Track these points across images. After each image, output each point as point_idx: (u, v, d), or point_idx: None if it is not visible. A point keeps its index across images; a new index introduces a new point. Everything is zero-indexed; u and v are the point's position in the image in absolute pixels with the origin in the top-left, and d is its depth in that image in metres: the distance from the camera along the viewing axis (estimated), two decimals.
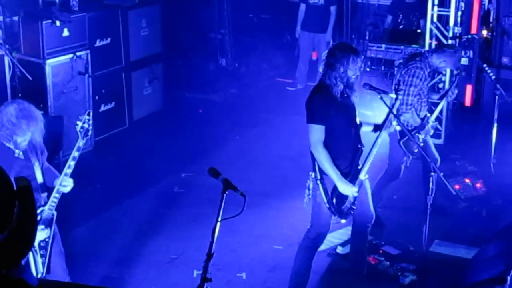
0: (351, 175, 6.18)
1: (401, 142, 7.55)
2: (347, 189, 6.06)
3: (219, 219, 4.55)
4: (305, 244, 6.38)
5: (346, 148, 6.17)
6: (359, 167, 6.25)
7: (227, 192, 4.59)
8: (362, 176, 6.28)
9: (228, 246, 7.27)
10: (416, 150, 7.48)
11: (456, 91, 8.38)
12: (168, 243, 7.50)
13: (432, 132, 7.94)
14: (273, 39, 13.43)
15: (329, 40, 12.20)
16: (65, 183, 5.42)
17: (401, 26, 11.37)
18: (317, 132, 5.99)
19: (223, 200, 4.56)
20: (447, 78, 10.15)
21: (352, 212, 6.30)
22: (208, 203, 7.86)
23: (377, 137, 6.40)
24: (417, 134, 7.60)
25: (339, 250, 7.36)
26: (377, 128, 6.47)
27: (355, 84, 6.15)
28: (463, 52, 9.64)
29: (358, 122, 6.27)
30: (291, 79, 12.80)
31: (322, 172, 6.04)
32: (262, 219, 7.99)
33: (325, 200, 6.07)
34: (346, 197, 6.15)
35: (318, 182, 6.06)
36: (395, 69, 8.65)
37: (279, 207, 8.27)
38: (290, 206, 8.05)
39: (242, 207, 4.56)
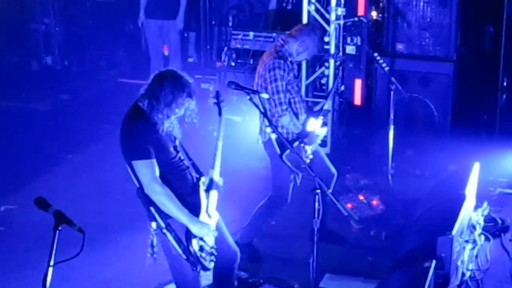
0: (199, 206, 6.07)
1: (284, 156, 7.45)
2: (202, 228, 5.94)
3: (51, 263, 4.47)
4: None
5: (184, 178, 6.08)
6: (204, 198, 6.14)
7: (60, 228, 4.53)
8: (216, 177, 6.19)
9: None
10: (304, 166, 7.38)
11: (342, 87, 8.46)
12: None
13: (319, 140, 7.93)
14: (112, 29, 13.38)
15: (181, 28, 12.23)
16: None
17: (289, 7, 11.48)
18: (149, 169, 5.83)
19: (56, 239, 4.49)
20: (331, 71, 10.28)
21: (214, 257, 6.11)
22: (36, 243, 7.84)
23: (219, 122, 6.32)
24: (302, 145, 7.56)
25: None
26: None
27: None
28: (349, 39, 9.83)
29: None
30: (142, 80, 12.68)
31: (165, 216, 5.91)
32: (107, 260, 7.94)
33: (180, 251, 5.93)
34: (203, 239, 6.01)
35: (165, 231, 5.92)
36: None
37: (128, 244, 8.17)
38: (142, 241, 7.97)
39: (81, 246, 4.51)
